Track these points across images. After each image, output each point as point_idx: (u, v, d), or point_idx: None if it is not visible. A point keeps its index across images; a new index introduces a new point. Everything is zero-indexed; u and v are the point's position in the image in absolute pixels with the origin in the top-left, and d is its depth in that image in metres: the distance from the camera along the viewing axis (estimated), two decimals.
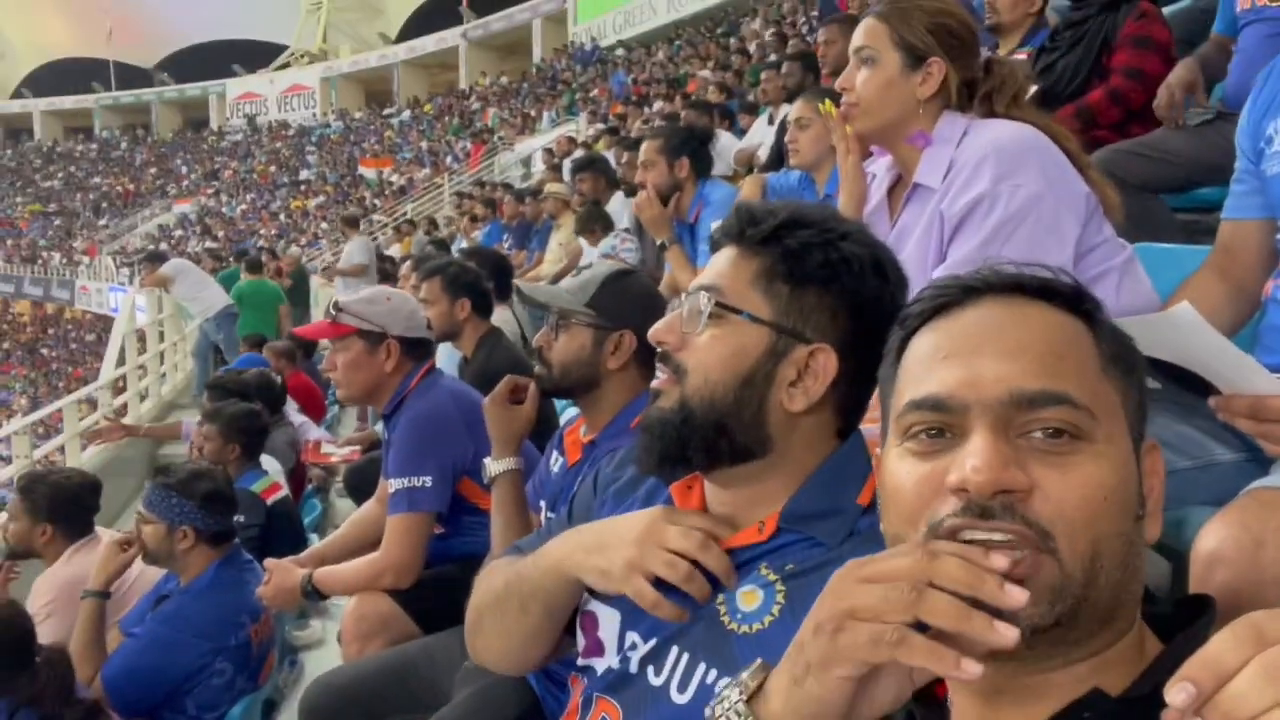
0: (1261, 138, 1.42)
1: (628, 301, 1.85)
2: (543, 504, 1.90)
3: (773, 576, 1.01)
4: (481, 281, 3.41)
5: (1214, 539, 1.02)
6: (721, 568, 1.01)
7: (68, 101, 45.36)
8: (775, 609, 0.99)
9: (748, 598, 1.01)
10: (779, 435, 1.04)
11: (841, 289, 1.04)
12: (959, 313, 0.77)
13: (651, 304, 1.93)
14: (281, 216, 30.79)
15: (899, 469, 0.75)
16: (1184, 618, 0.76)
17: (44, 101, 45.75)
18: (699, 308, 1.05)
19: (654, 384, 1.08)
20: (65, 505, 3.07)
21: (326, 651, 3.42)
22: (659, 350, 1.08)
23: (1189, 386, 1.13)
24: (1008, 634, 0.62)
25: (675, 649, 1.04)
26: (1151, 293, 1.58)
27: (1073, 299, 0.76)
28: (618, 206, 5.29)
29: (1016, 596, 0.63)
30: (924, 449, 0.73)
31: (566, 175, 7.83)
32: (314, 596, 2.36)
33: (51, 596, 2.92)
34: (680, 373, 1.05)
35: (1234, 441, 1.28)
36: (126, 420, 9.04)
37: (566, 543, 1.11)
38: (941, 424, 0.73)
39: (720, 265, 1.08)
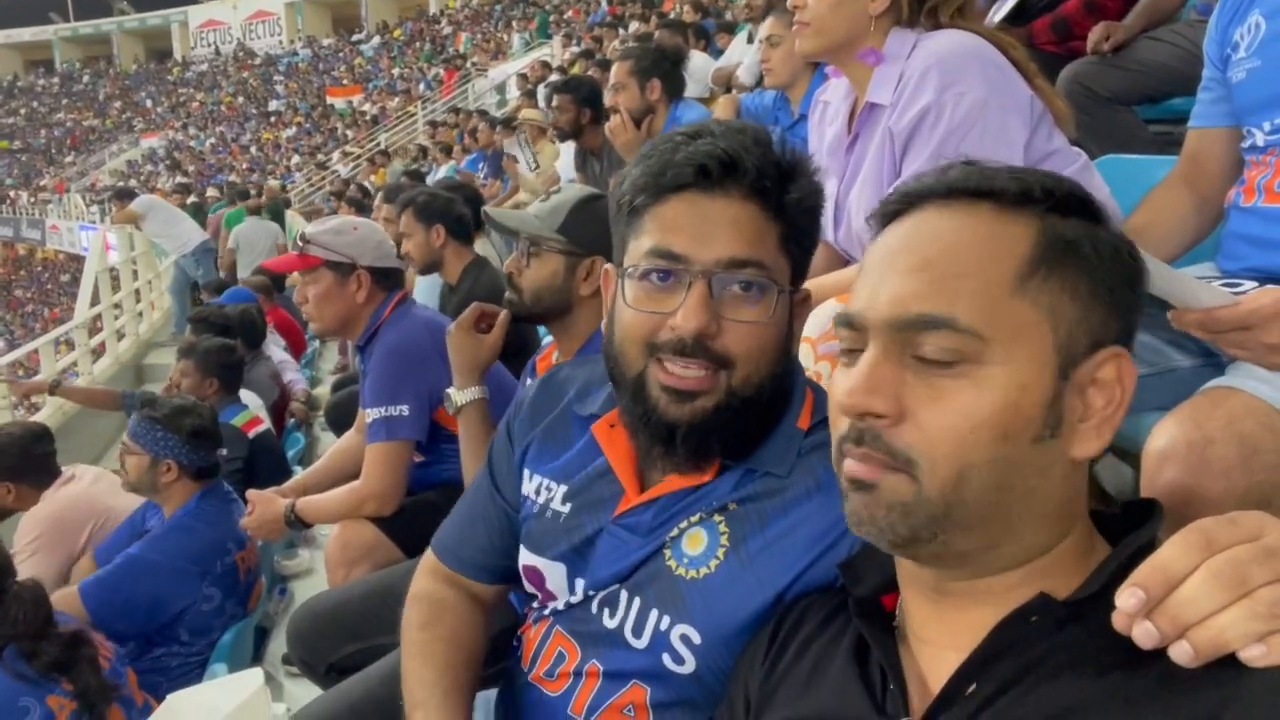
0: (1228, 44, 1.41)
1: (598, 227, 1.79)
2: None
3: (717, 518, 1.01)
4: (455, 207, 3.37)
5: (1164, 437, 1.04)
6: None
7: (26, 33, 43.80)
8: (720, 552, 1.00)
9: (692, 540, 1.01)
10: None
11: (812, 247, 1.04)
12: (900, 222, 0.77)
13: None
14: (253, 149, 30.14)
15: (835, 379, 0.77)
16: (1132, 521, 0.77)
17: (0, 34, 44.19)
18: (737, 282, 0.95)
19: (677, 384, 0.96)
20: (27, 461, 3.10)
21: (315, 580, 3.47)
22: (687, 343, 0.95)
23: (1147, 298, 1.14)
24: None
25: (626, 594, 1.03)
26: (1110, 202, 1.59)
27: (1016, 197, 0.73)
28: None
29: None
30: (846, 362, 0.76)
31: (541, 101, 7.68)
32: (298, 526, 2.39)
33: (37, 533, 2.95)
34: (724, 362, 0.96)
35: (1192, 348, 1.30)
36: (104, 360, 9.00)
37: None
38: (854, 341, 0.74)
39: (748, 229, 0.96)
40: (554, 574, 1.10)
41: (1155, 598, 0.61)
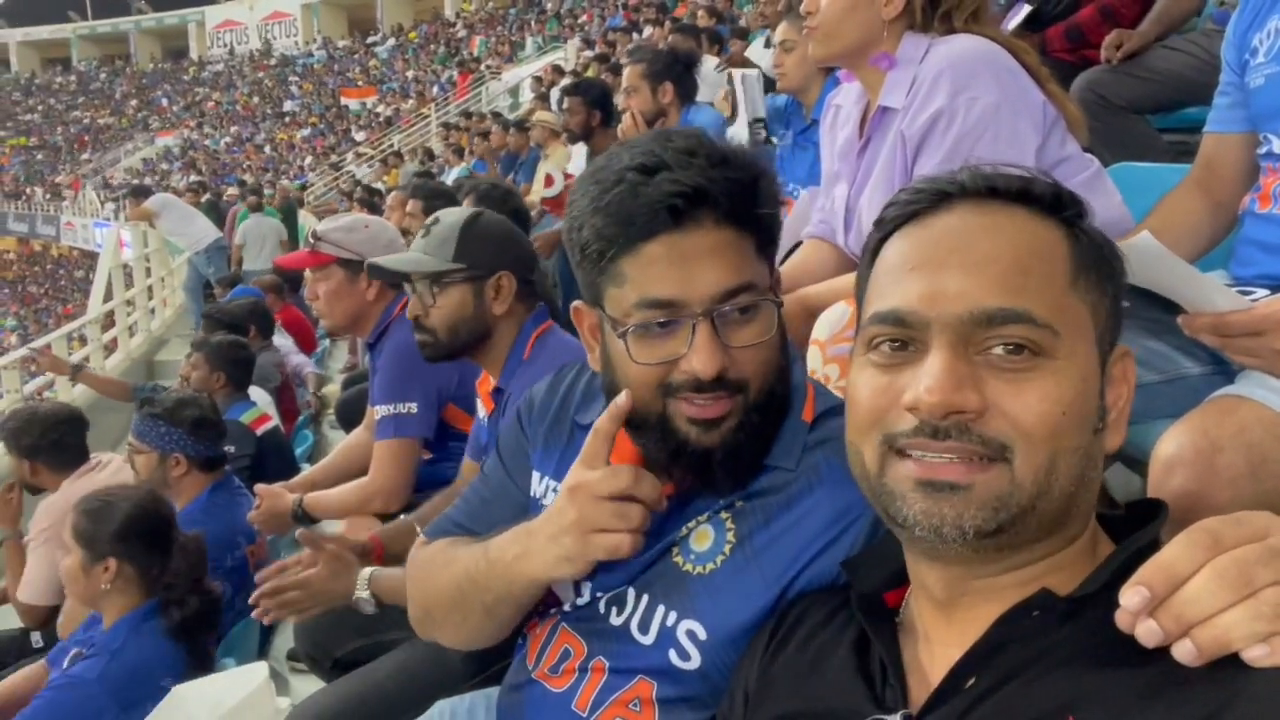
0: (1246, 49, 1.41)
1: (492, 243, 1.82)
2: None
3: (724, 515, 1.02)
4: (514, 200, 3.43)
5: (1173, 444, 1.04)
6: (654, 495, 0.97)
7: (44, 31, 44.17)
8: (726, 548, 1.00)
9: (700, 538, 1.02)
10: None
11: (778, 238, 1.04)
12: (931, 219, 0.76)
13: (513, 237, 1.92)
14: (267, 149, 30.30)
15: (860, 379, 0.76)
16: (1137, 521, 0.77)
17: (20, 32, 44.54)
18: (734, 311, 0.95)
19: (702, 414, 0.96)
20: (45, 442, 3.15)
21: None
22: (705, 383, 0.94)
23: (1158, 303, 1.14)
24: None
25: (633, 592, 1.04)
26: (1121, 208, 1.58)
27: (1051, 203, 0.75)
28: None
29: None
30: (886, 361, 0.74)
31: (555, 105, 7.71)
32: (305, 521, 2.40)
33: (47, 523, 2.98)
34: (740, 389, 0.97)
35: (1202, 355, 1.29)
36: (116, 356, 9.06)
37: (520, 546, 1.03)
38: (904, 337, 0.73)
39: (730, 254, 0.95)
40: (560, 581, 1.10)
41: (1159, 596, 0.61)
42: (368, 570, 1.75)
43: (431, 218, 1.89)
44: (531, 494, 1.17)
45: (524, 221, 3.92)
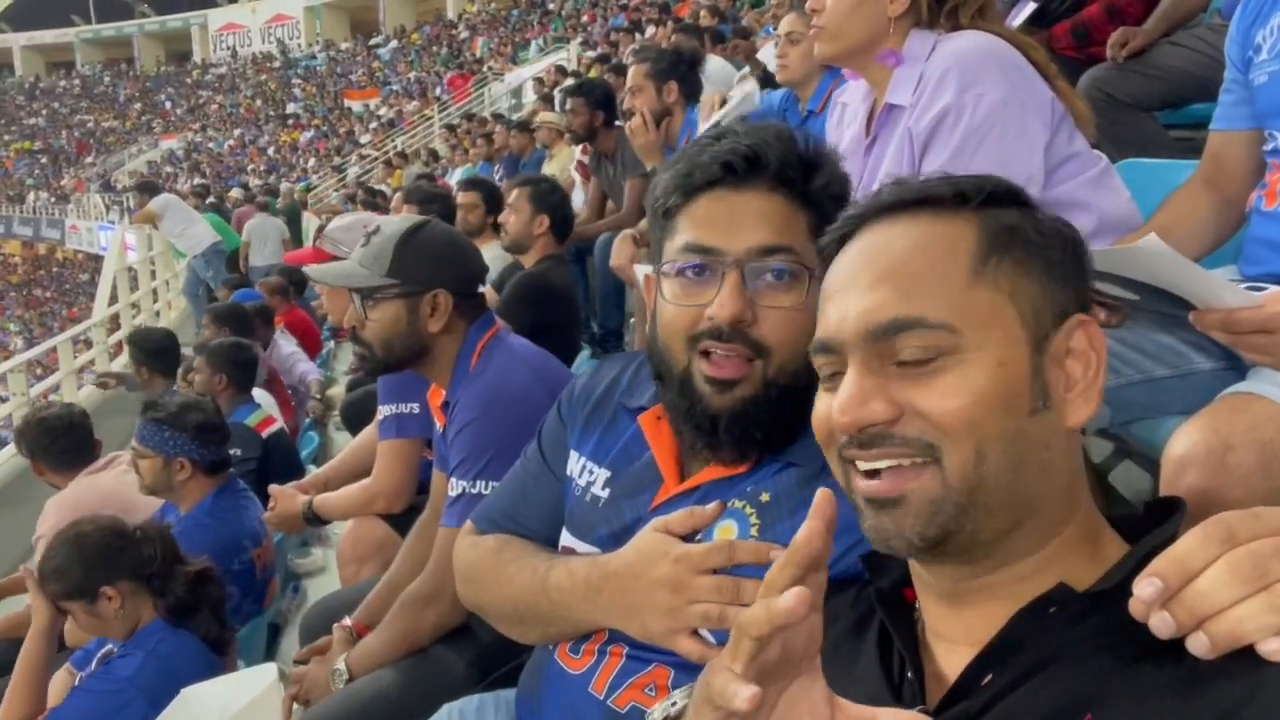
0: (1250, 47, 1.40)
1: (430, 258, 1.74)
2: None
3: (749, 509, 1.02)
4: (567, 208, 3.49)
5: (1185, 443, 1.04)
6: (758, 558, 0.96)
7: (48, 36, 44.28)
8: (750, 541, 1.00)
9: (724, 531, 1.02)
10: None
11: None
12: (851, 244, 0.80)
13: (455, 253, 1.83)
14: (270, 151, 30.35)
15: (817, 404, 0.79)
16: (1153, 520, 0.77)
17: (24, 36, 44.64)
18: (770, 269, 0.98)
19: (719, 373, 0.99)
20: (51, 443, 3.20)
21: (328, 578, 3.48)
22: (724, 330, 0.97)
23: (1168, 299, 1.14)
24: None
25: None
26: (1129, 205, 1.58)
27: (954, 199, 0.76)
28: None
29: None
30: (829, 386, 0.78)
31: (558, 105, 7.71)
32: (314, 521, 2.42)
33: (55, 519, 2.97)
34: (761, 351, 0.98)
35: (1213, 351, 1.29)
36: (122, 360, 9.09)
37: (593, 601, 1.04)
38: (834, 364, 0.77)
39: (776, 218, 0.99)
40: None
41: (1173, 588, 0.60)
42: (342, 663, 1.77)
43: (374, 226, 1.83)
44: (568, 473, 1.19)
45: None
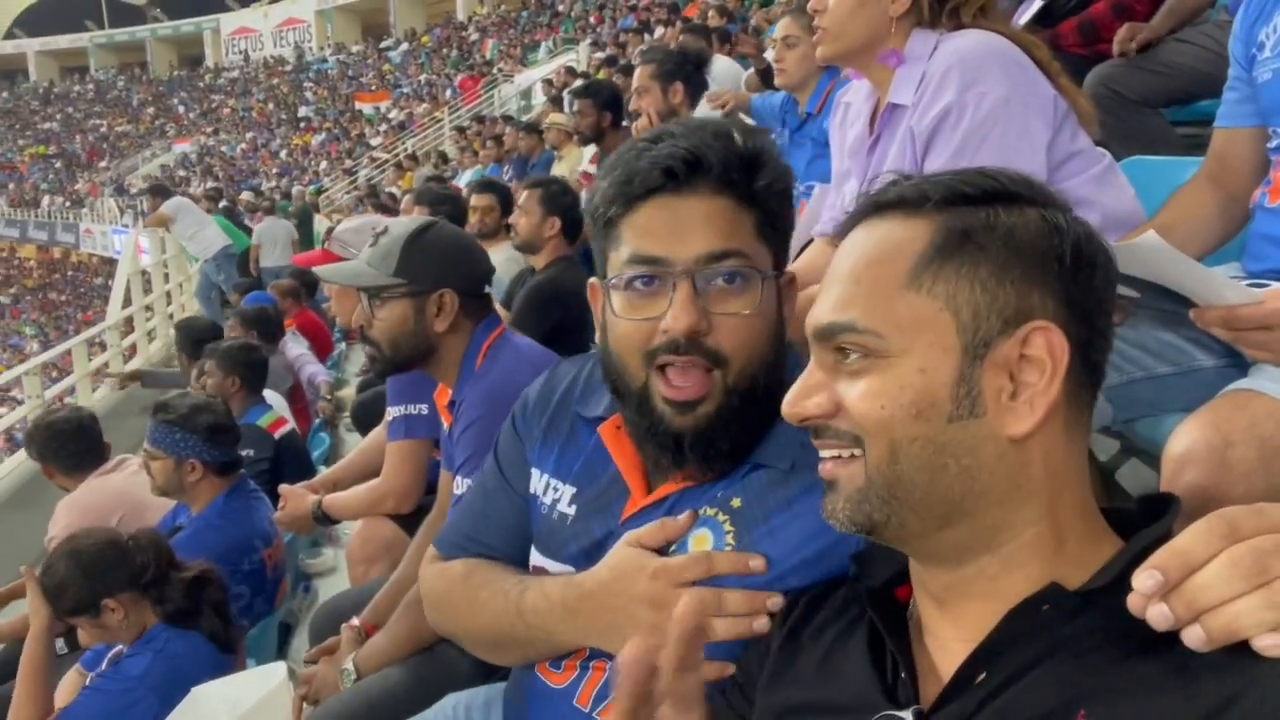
0: (1254, 44, 1.40)
1: (436, 258, 1.76)
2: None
3: (721, 516, 1.01)
4: (579, 211, 3.46)
5: (1185, 440, 1.04)
6: (736, 568, 0.96)
7: (62, 41, 44.61)
8: (726, 548, 0.99)
9: (699, 542, 1.01)
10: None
11: (788, 230, 1.05)
12: (842, 243, 0.83)
13: (461, 253, 1.84)
14: (283, 154, 30.50)
15: None
16: (1147, 516, 0.77)
17: (38, 41, 44.99)
18: (720, 275, 0.95)
19: (678, 396, 0.96)
20: (61, 447, 3.23)
21: (338, 578, 3.50)
22: (680, 343, 0.95)
23: (1170, 296, 1.14)
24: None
25: None
26: (1133, 202, 1.57)
27: (917, 201, 0.77)
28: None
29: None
30: None
31: (566, 106, 7.72)
32: (324, 521, 2.43)
33: (66, 521, 3.01)
34: (719, 360, 0.96)
35: (1215, 348, 1.28)
36: (136, 362, 9.15)
37: (570, 622, 1.02)
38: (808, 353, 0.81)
39: (722, 222, 0.96)
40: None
41: (1173, 581, 0.61)
42: (350, 663, 1.78)
43: (382, 226, 1.85)
44: (531, 491, 1.16)
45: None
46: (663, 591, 0.96)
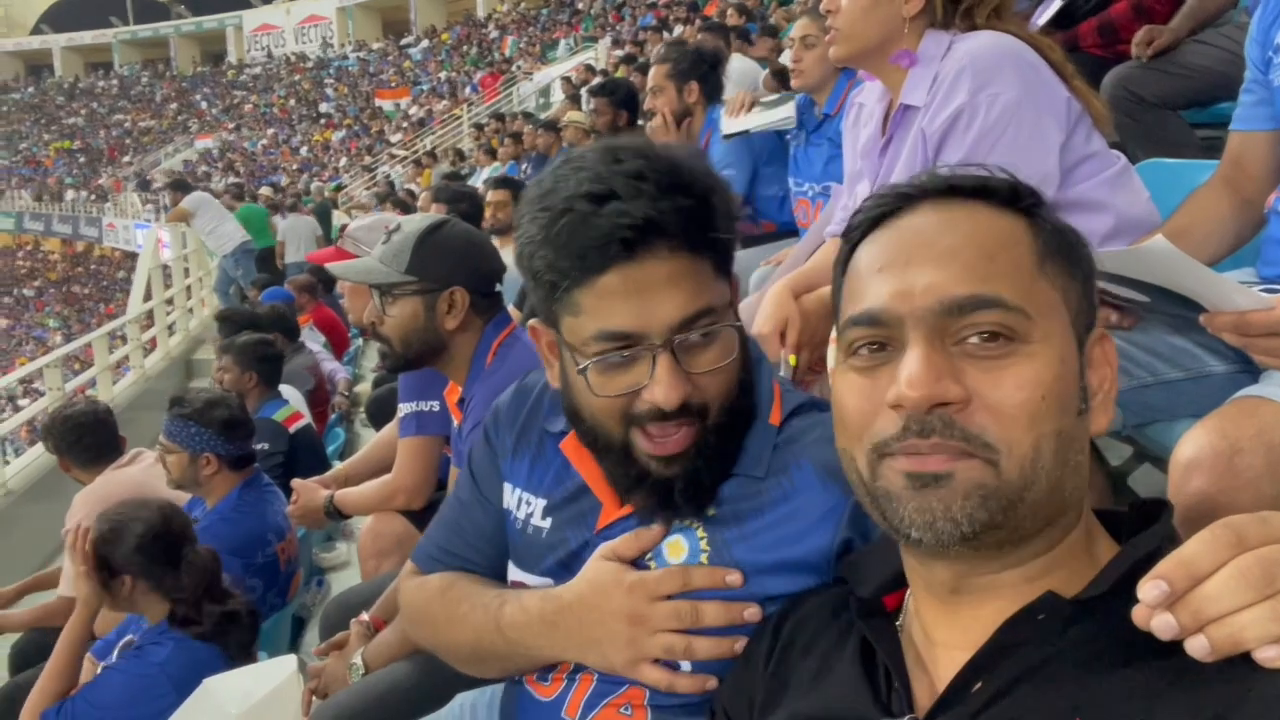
0: (1270, 47, 1.38)
1: (448, 256, 1.78)
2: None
3: (694, 523, 1.01)
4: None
5: (1192, 446, 1.03)
6: (713, 582, 0.96)
7: (87, 37, 45.04)
8: (702, 557, 0.99)
9: (674, 549, 1.01)
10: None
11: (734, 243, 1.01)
12: (895, 221, 0.77)
13: (472, 251, 1.86)
14: (303, 150, 30.68)
15: (843, 386, 0.76)
16: (1139, 521, 0.76)
17: (64, 37, 45.44)
18: (694, 336, 0.93)
19: (663, 451, 0.95)
20: (77, 440, 3.28)
21: (351, 572, 3.52)
22: (663, 411, 0.92)
23: (1181, 301, 1.13)
24: None
25: None
26: (1148, 205, 1.56)
27: (1009, 196, 0.76)
28: None
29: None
30: (865, 364, 0.74)
31: (584, 104, 7.73)
32: (336, 516, 2.45)
33: (84, 513, 3.03)
34: (702, 415, 0.95)
35: (1227, 353, 1.27)
36: (155, 355, 9.22)
37: (549, 636, 1.02)
38: (880, 338, 0.73)
39: (686, 281, 0.92)
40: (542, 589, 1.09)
41: (1178, 591, 0.60)
42: (358, 657, 1.80)
43: (395, 224, 1.87)
44: (504, 506, 1.15)
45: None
46: (639, 606, 0.96)
